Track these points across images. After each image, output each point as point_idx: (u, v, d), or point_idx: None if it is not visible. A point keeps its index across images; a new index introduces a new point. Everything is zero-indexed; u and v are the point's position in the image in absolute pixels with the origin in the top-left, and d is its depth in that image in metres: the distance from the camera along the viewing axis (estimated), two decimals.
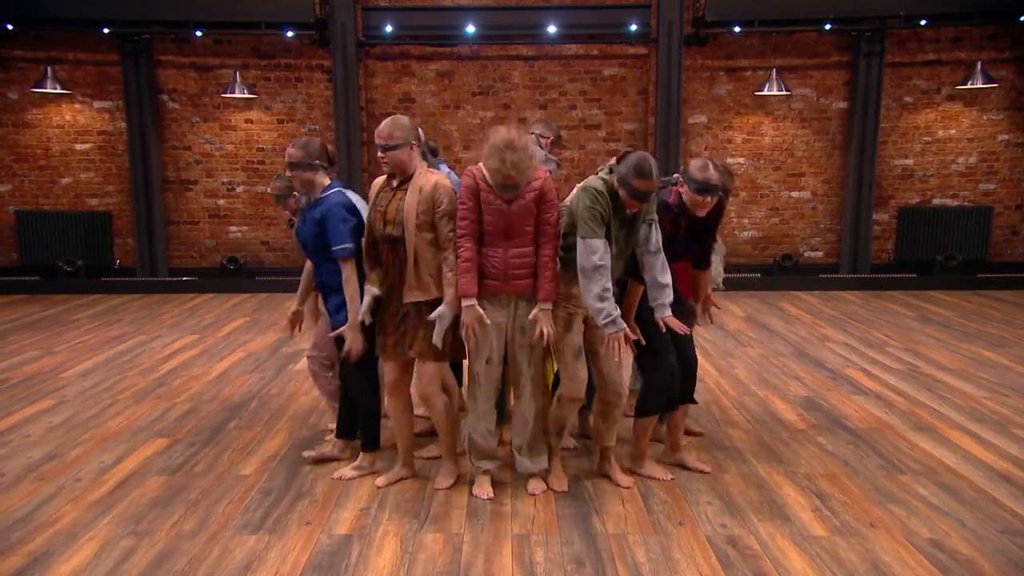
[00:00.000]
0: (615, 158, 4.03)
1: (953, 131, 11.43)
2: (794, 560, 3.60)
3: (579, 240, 3.90)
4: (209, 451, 5.03)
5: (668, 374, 4.33)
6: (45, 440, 5.21)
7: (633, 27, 11.05)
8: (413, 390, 4.37)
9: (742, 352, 7.55)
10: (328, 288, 4.48)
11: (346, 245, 4.23)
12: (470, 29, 10.92)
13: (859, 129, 11.12)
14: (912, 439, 5.06)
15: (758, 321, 8.95)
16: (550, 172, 6.00)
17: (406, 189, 4.12)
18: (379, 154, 4.15)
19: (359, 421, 4.61)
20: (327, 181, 4.44)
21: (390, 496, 4.34)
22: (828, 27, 10.74)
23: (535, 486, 4.32)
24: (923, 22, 10.70)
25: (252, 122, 11.54)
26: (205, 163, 11.47)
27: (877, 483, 4.44)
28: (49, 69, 10.93)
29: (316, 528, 3.96)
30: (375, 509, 4.17)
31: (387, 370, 4.42)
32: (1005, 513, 4.06)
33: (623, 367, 4.27)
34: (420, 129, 4.35)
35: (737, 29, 10.78)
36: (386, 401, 4.58)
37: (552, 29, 10.98)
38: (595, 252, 3.84)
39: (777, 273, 11.31)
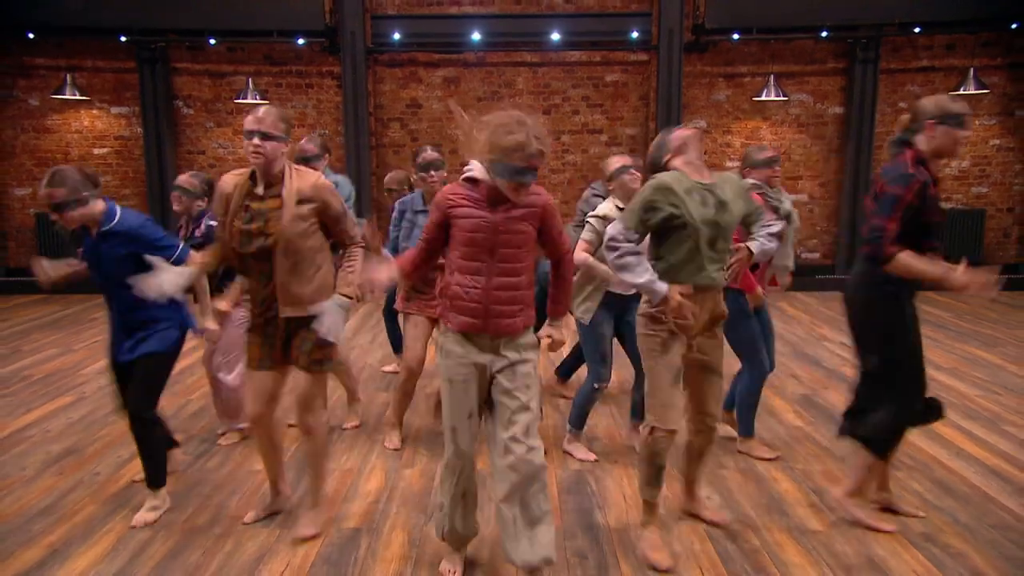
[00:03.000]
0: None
1: None
2: (792, 554, 3.61)
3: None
4: (222, 447, 5.05)
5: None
6: (65, 435, 5.24)
7: (635, 34, 11.04)
8: (282, 415, 3.82)
9: None
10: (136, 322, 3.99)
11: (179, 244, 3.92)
12: (476, 37, 10.95)
13: (855, 134, 11.12)
14: (906, 436, 5.05)
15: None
16: None
17: (277, 196, 3.50)
18: (254, 142, 3.46)
19: (154, 456, 4.03)
20: (101, 205, 3.84)
21: (397, 491, 4.35)
22: (825, 34, 10.77)
23: None
24: (917, 29, 10.71)
25: None
26: (219, 167, 11.46)
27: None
28: (68, 76, 11.00)
29: (327, 521, 3.95)
30: (383, 503, 4.19)
31: (251, 399, 3.71)
32: (997, 508, 4.07)
33: (719, 398, 3.72)
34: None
35: (736, 36, 10.77)
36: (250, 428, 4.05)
37: (556, 36, 11.00)
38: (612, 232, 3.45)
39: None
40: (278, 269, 3.45)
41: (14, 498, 4.26)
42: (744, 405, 4.82)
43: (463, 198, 3.10)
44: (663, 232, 3.38)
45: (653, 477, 3.53)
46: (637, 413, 4.87)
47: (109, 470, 4.66)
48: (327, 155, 4.82)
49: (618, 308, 4.68)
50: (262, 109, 3.54)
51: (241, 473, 4.60)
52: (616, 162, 4.63)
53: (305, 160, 4.56)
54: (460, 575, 3.37)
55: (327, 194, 3.57)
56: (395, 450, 4.97)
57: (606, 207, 4.55)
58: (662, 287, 3.30)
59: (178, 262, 3.81)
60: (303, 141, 5.06)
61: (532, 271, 3.21)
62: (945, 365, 6.84)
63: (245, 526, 3.91)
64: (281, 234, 3.41)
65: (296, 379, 3.71)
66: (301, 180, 3.55)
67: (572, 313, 4.57)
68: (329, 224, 3.61)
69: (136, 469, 4.59)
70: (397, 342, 7.27)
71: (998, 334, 8.10)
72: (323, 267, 3.62)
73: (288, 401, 4.25)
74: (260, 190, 3.51)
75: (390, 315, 6.95)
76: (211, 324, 4.18)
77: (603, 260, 4.36)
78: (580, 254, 4.44)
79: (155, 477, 4.03)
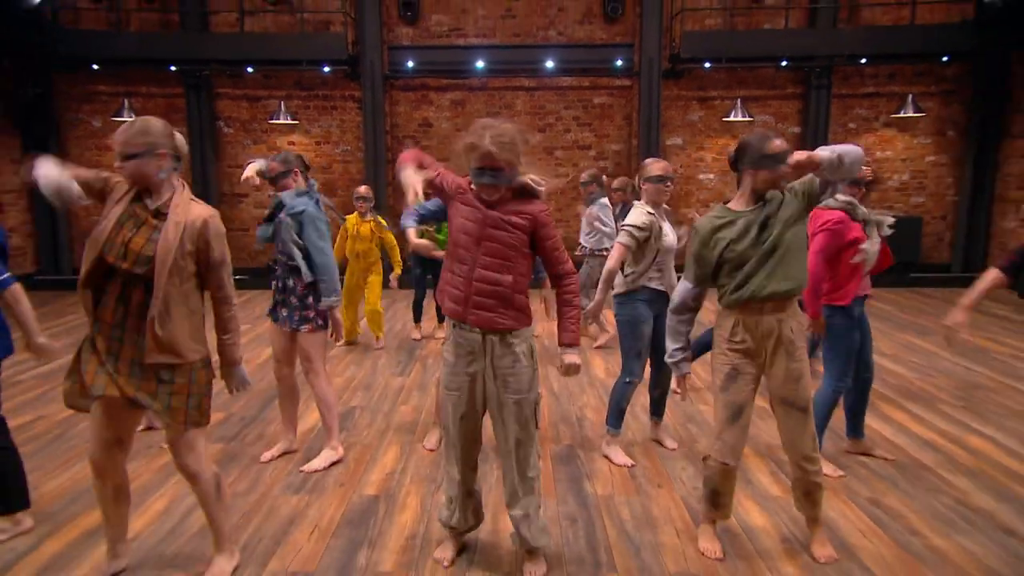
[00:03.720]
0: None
1: (889, 153, 11.44)
2: (755, 516, 3.64)
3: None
4: (258, 424, 5.06)
5: None
6: None
7: (619, 63, 11.05)
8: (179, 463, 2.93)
9: None
10: None
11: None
12: (479, 64, 10.95)
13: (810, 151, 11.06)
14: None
15: None
16: None
17: (164, 217, 2.70)
18: (115, 164, 2.70)
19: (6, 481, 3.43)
20: None
21: (411, 464, 4.34)
22: (784, 64, 10.79)
23: (532, 569, 3.10)
24: (863, 61, 10.75)
25: (294, 144, 11.55)
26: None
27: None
28: (126, 101, 11.04)
29: (349, 489, 3.97)
30: (398, 474, 4.19)
31: (96, 444, 2.89)
32: (931, 476, 4.11)
33: (807, 431, 3.08)
34: (179, 136, 2.89)
35: (707, 65, 10.76)
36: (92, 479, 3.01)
37: (549, 64, 11.00)
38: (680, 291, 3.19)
39: None
40: (140, 301, 2.71)
41: (81, 467, 4.25)
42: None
43: (469, 191, 2.97)
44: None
45: (708, 499, 3.25)
46: (656, 411, 4.60)
47: (162, 442, 4.59)
48: (296, 172, 4.20)
49: (659, 306, 4.20)
50: (123, 127, 2.72)
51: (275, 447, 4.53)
52: (657, 168, 4.15)
53: (271, 180, 4.22)
54: (451, 562, 3.21)
55: (211, 235, 2.78)
56: (431, 450, 4.57)
57: (639, 215, 4.10)
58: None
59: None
60: (271, 158, 4.38)
61: (526, 277, 2.95)
62: (888, 352, 6.86)
63: (278, 494, 3.92)
64: (156, 261, 2.65)
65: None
66: (190, 211, 2.75)
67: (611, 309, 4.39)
68: (197, 269, 2.81)
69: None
70: (419, 312, 7.40)
71: (931, 324, 8.11)
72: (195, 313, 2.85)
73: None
74: (149, 203, 2.75)
75: (420, 284, 6.90)
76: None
77: (629, 267, 4.17)
78: (611, 262, 4.10)
79: (15, 500, 3.50)
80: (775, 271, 2.93)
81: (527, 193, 2.94)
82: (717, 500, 3.21)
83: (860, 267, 3.95)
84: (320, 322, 4.18)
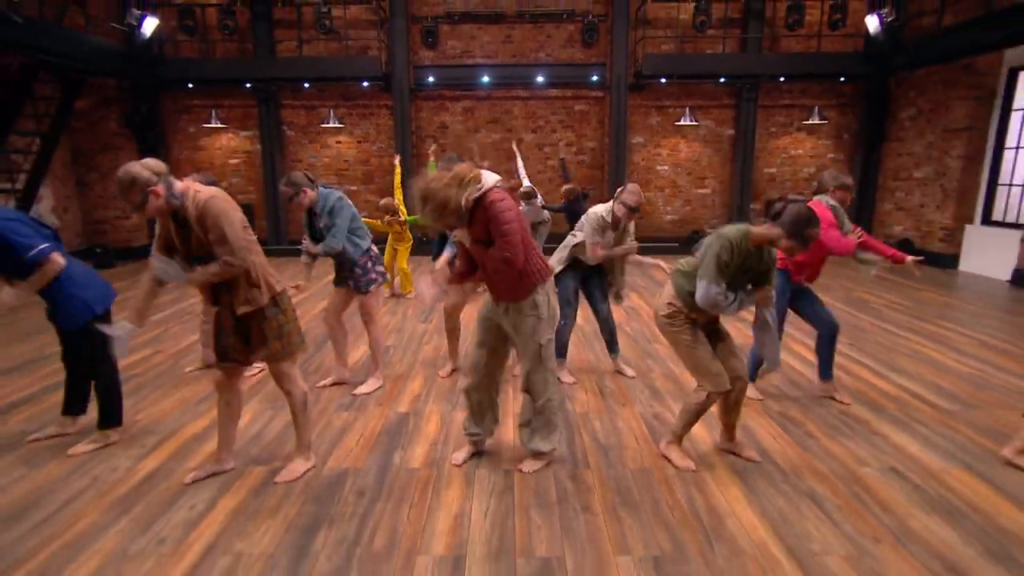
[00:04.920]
0: (769, 213, 2.86)
1: (800, 151, 11.35)
2: (695, 427, 3.59)
3: (698, 280, 2.89)
4: (316, 358, 5.05)
5: None
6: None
7: (594, 78, 10.91)
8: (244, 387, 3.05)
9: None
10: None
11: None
12: (485, 79, 10.82)
13: (741, 149, 11.04)
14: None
15: None
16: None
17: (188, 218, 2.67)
18: (133, 214, 2.75)
19: (101, 397, 3.42)
20: None
21: (433, 389, 4.34)
22: (722, 80, 10.66)
23: (529, 465, 3.15)
24: (782, 79, 10.61)
25: (340, 143, 11.46)
26: (311, 171, 11.45)
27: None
28: (213, 111, 10.98)
29: (386, 408, 4.01)
30: (423, 397, 4.21)
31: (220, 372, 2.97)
32: (824, 397, 4.17)
33: (736, 354, 3.11)
34: (149, 161, 2.69)
35: (663, 81, 10.64)
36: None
37: (540, 79, 10.87)
38: (710, 294, 2.86)
39: (688, 243, 11.28)
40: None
41: (188, 390, 4.30)
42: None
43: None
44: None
45: (689, 424, 3.18)
46: (611, 349, 4.63)
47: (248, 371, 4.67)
48: (304, 190, 3.97)
49: (581, 270, 4.39)
50: (117, 187, 2.62)
51: (330, 376, 4.52)
52: (632, 200, 4.04)
53: (288, 199, 3.99)
54: (463, 462, 3.21)
55: (207, 220, 2.65)
56: (445, 376, 4.59)
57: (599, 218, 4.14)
58: None
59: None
60: (282, 182, 4.06)
61: (519, 257, 2.74)
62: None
63: (333, 411, 3.94)
64: (204, 249, 2.71)
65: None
66: (192, 206, 2.66)
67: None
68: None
69: (263, 372, 4.70)
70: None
71: (831, 283, 8.17)
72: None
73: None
74: (179, 214, 2.70)
75: (438, 251, 6.93)
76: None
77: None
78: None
79: (110, 416, 3.47)
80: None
81: (474, 208, 2.71)
82: (694, 423, 3.18)
83: (823, 256, 3.87)
84: (381, 280, 4.22)
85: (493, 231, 2.69)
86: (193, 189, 2.70)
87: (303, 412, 3.09)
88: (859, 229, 3.91)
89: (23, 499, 2.97)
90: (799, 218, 2.74)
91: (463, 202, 2.63)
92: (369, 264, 4.16)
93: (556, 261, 4.35)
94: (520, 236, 2.74)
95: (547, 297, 2.93)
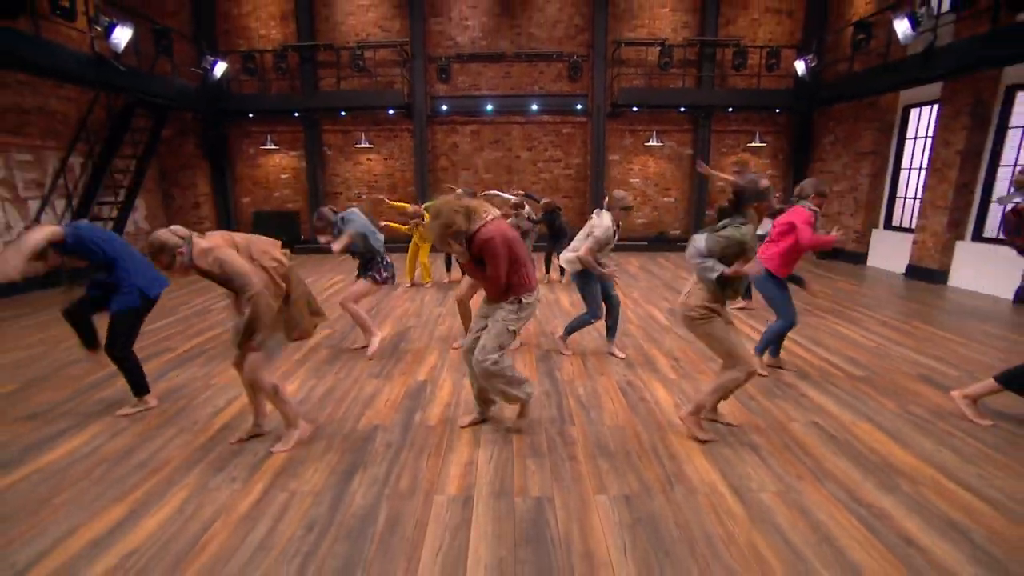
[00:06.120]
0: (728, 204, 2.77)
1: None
2: (660, 392, 3.68)
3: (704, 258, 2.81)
4: (351, 335, 5.02)
5: None
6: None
7: (579, 107, 10.83)
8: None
9: (636, 285, 7.46)
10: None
11: None
12: (489, 107, 10.74)
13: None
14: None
15: (646, 269, 8.89)
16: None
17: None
18: (165, 273, 2.68)
19: (127, 372, 3.35)
20: None
21: (447, 361, 4.30)
22: (682, 109, 10.58)
23: (517, 423, 3.17)
24: (730, 109, 10.54)
25: (370, 160, 11.36)
26: (346, 183, 11.41)
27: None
28: (268, 136, 10.91)
29: (408, 376, 3.99)
30: (439, 367, 4.19)
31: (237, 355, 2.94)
32: (775, 376, 4.16)
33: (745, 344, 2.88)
34: (176, 228, 2.66)
35: (635, 109, 10.54)
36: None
37: (534, 107, 10.79)
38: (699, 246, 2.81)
39: (655, 243, 11.29)
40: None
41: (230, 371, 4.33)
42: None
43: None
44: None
45: (720, 399, 2.96)
46: (610, 335, 4.41)
47: (291, 348, 4.62)
48: (330, 225, 4.33)
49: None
50: (148, 252, 2.62)
51: (362, 351, 4.53)
52: (628, 200, 3.90)
53: (318, 230, 4.40)
54: (467, 425, 3.17)
55: (211, 264, 2.60)
56: (457, 347, 4.59)
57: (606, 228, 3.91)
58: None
59: None
60: (315, 216, 4.38)
61: (501, 278, 2.80)
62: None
63: (364, 378, 3.92)
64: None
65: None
66: (200, 257, 2.61)
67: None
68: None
69: (306, 346, 4.61)
70: (449, 264, 7.72)
71: None
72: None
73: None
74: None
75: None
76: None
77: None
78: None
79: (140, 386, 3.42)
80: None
81: (473, 235, 2.77)
82: (723, 400, 3.00)
83: (800, 253, 3.76)
84: (378, 277, 4.44)
85: (485, 258, 2.77)
86: (198, 248, 2.61)
87: (278, 398, 2.90)
88: (838, 228, 3.89)
89: (126, 445, 3.01)
90: (744, 188, 2.72)
91: (464, 229, 2.71)
92: (380, 264, 4.47)
93: (565, 262, 4.11)
94: (506, 264, 2.76)
95: (525, 304, 2.89)
